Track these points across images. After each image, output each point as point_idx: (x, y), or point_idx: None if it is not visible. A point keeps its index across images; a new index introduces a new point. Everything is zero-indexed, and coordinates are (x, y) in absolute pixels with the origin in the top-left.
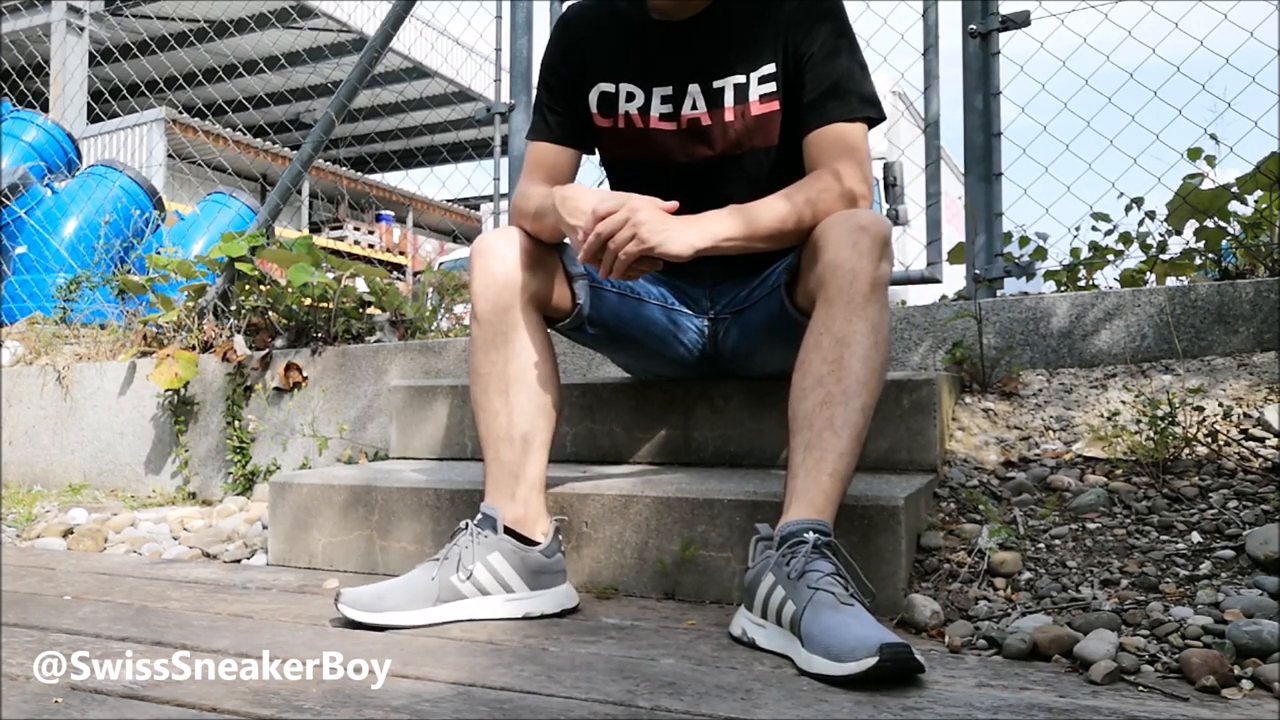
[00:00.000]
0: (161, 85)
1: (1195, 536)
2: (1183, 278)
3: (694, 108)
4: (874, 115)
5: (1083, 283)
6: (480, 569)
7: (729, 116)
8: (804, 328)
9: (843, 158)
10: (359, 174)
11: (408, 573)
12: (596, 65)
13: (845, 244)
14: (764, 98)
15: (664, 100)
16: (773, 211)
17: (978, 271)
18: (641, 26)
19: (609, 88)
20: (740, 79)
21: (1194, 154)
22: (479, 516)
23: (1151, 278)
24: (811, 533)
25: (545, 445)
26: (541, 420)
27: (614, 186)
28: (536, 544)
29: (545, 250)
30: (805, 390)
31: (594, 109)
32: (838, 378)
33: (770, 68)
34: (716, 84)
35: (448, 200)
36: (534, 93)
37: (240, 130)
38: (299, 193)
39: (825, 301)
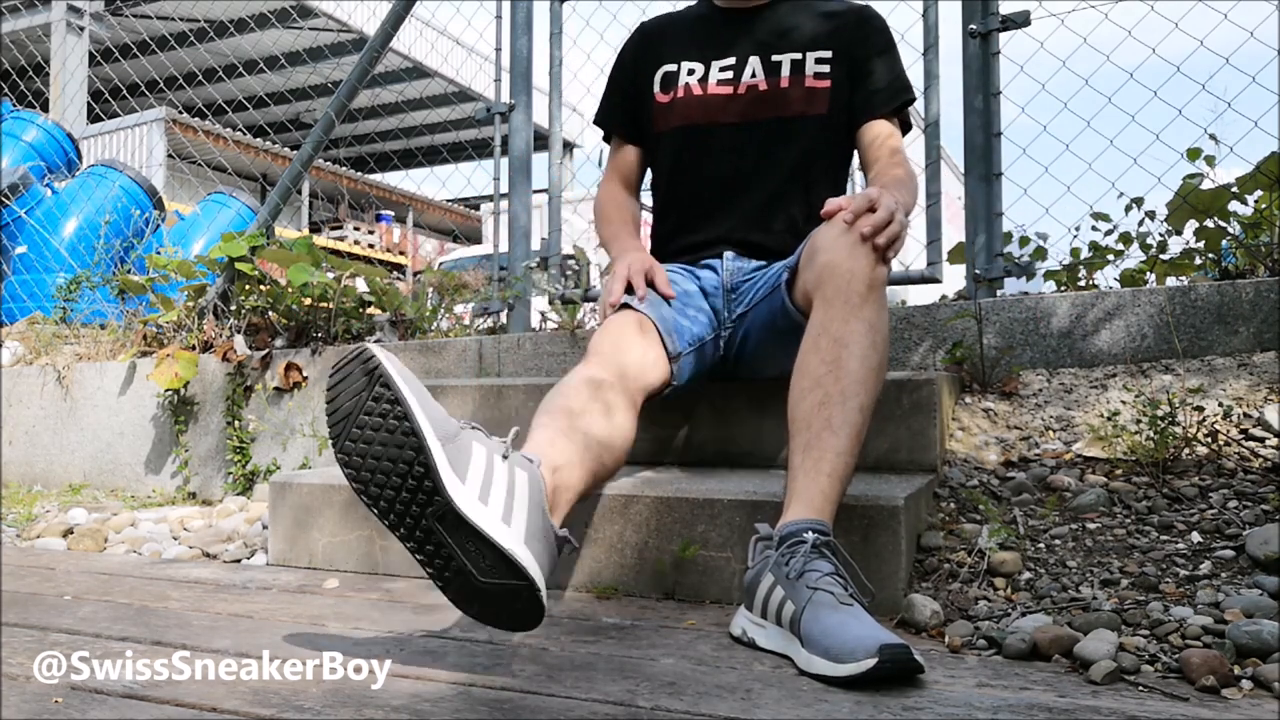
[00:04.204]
0: (161, 85)
1: (1195, 536)
2: (1183, 278)
3: (753, 75)
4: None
5: (1083, 283)
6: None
7: (784, 84)
8: (800, 326)
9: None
10: (359, 174)
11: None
12: (662, 53)
13: (841, 245)
14: (818, 75)
15: (723, 69)
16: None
17: (978, 271)
18: (709, 17)
19: (672, 67)
20: (797, 56)
21: (1194, 154)
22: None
23: (1151, 278)
24: (810, 532)
25: (572, 490)
26: (579, 472)
27: (668, 157)
28: None
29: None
30: (804, 391)
31: (656, 89)
32: (835, 378)
33: (828, 53)
34: (775, 57)
35: (448, 200)
36: (602, 94)
37: (240, 130)
38: (299, 193)
39: (823, 302)
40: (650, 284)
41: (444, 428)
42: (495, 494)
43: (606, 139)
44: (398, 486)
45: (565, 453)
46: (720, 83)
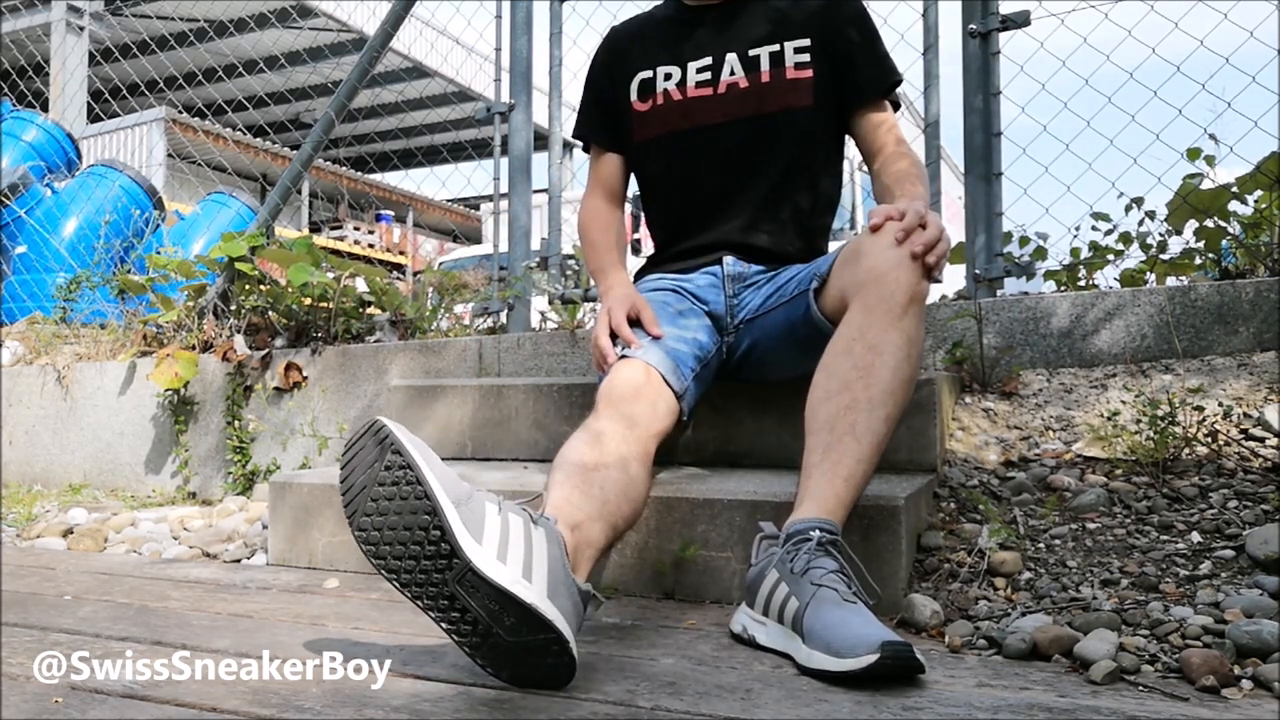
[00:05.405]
0: (161, 85)
1: (1195, 536)
2: (1183, 277)
3: (731, 74)
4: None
5: (1083, 283)
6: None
7: (765, 79)
8: (823, 334)
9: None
10: (359, 174)
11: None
12: (636, 60)
13: (891, 256)
14: (799, 65)
15: (700, 70)
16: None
17: (978, 271)
18: (677, 18)
19: (647, 74)
20: (775, 48)
21: (1194, 154)
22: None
23: (1151, 278)
24: (817, 530)
25: (593, 546)
26: (599, 526)
27: (655, 166)
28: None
29: (664, 387)
30: (830, 393)
31: (634, 98)
32: (865, 384)
33: (805, 41)
34: (752, 52)
35: (448, 200)
36: (579, 104)
37: (240, 130)
38: (299, 192)
39: (864, 308)
40: (637, 323)
41: (456, 490)
42: (513, 553)
43: (586, 149)
44: (416, 555)
45: (584, 509)
46: (699, 84)
